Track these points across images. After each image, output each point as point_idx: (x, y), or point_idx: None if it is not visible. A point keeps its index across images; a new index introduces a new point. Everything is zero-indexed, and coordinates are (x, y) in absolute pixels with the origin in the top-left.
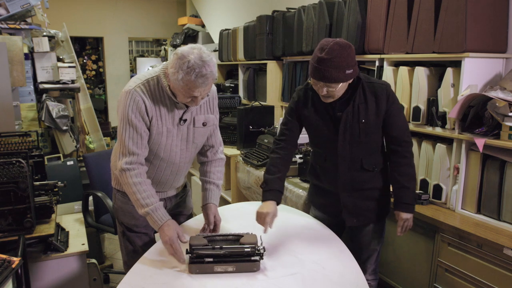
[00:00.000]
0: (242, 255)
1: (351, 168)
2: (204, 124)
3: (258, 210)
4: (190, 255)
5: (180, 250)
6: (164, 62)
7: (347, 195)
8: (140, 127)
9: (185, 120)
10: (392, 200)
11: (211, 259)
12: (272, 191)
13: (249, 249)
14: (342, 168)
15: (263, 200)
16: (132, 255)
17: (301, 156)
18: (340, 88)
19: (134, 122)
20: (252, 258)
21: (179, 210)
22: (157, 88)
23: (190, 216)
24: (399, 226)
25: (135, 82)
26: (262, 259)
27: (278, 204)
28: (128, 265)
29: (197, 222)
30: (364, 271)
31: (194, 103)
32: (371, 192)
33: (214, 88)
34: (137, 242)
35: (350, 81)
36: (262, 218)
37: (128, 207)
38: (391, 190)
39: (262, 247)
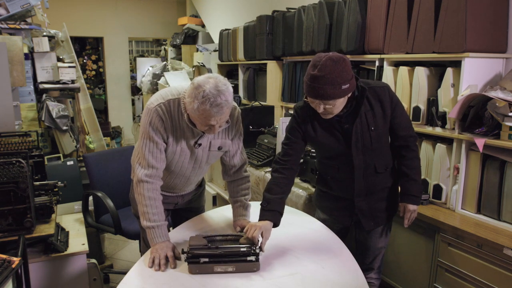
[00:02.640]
0: (238, 255)
1: (366, 174)
2: (219, 148)
3: (251, 223)
4: (185, 254)
5: (162, 268)
6: (185, 88)
7: (361, 200)
8: (160, 143)
9: (200, 144)
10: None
11: (206, 259)
12: (272, 212)
13: (244, 249)
14: (358, 176)
15: (260, 219)
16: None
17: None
18: (338, 104)
19: (155, 139)
20: (248, 258)
21: (190, 206)
22: (176, 110)
23: (201, 212)
24: (406, 218)
25: (157, 100)
26: (258, 259)
27: (276, 226)
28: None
29: (203, 219)
30: (372, 269)
31: (211, 131)
32: (383, 192)
33: (237, 111)
34: None
35: (349, 95)
36: (251, 231)
37: None
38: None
39: (258, 247)
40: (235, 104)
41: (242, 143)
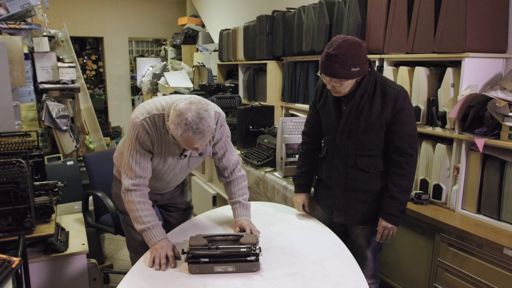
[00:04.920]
0: (238, 255)
1: (346, 164)
2: (200, 154)
3: (294, 200)
4: (186, 255)
5: (162, 268)
6: (169, 102)
7: (340, 191)
8: (147, 154)
9: (185, 155)
10: None
11: (206, 259)
12: (299, 186)
13: (244, 249)
14: (337, 162)
15: (295, 192)
16: (133, 240)
17: None
18: (346, 85)
19: (141, 151)
20: (248, 258)
21: (172, 203)
22: (161, 125)
23: (186, 210)
24: (378, 233)
25: (142, 114)
26: (258, 259)
27: (308, 193)
28: (133, 246)
29: (203, 219)
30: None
31: (196, 151)
32: (363, 194)
33: (220, 116)
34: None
35: (358, 78)
36: (298, 208)
37: None
38: None
39: (258, 247)
40: (217, 109)
41: (231, 144)
